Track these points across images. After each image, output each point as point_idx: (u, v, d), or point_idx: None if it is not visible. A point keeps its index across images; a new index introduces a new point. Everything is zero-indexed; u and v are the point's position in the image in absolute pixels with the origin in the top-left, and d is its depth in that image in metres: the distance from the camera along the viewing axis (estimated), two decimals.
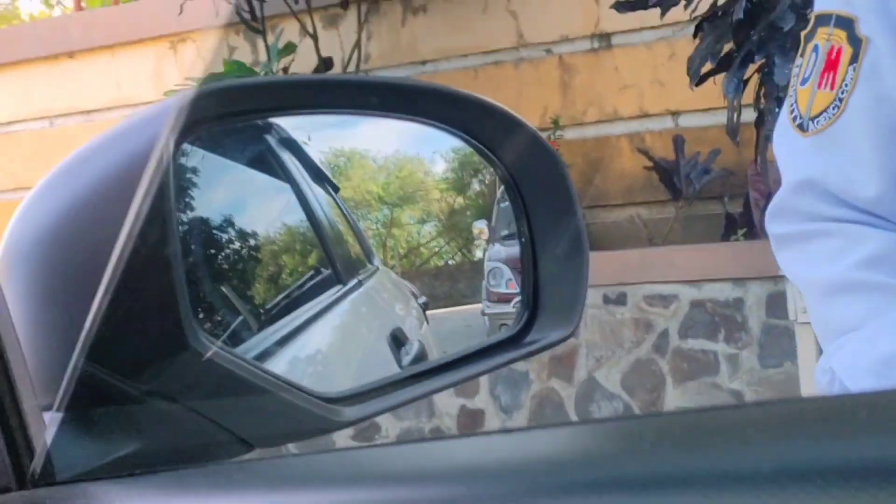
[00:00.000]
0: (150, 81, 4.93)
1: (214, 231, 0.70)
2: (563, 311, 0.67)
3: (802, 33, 0.91)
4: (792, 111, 0.89)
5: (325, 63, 4.04)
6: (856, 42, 0.83)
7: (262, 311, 0.76)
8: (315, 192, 0.92)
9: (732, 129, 3.29)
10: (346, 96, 0.60)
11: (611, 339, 3.65)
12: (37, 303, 0.51)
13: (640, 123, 4.17)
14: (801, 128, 0.87)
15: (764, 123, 3.22)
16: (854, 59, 0.83)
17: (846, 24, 0.84)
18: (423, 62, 4.52)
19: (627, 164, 4.13)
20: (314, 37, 3.98)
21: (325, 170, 0.95)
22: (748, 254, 3.42)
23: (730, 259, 3.49)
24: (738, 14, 2.90)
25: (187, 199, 0.55)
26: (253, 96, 0.55)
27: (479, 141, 0.66)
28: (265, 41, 4.06)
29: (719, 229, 3.72)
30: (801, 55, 0.90)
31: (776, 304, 3.20)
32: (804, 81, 0.88)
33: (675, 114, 4.06)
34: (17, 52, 5.24)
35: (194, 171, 0.55)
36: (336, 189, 1.01)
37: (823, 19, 0.87)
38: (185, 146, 0.52)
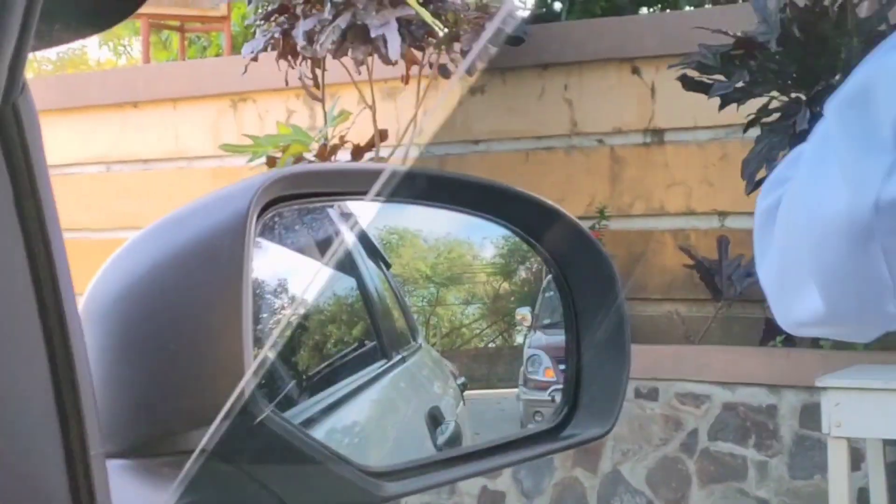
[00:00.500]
0: (209, 136, 5.04)
1: (276, 299, 0.74)
2: (603, 409, 0.69)
3: None
4: None
5: (381, 134, 4.12)
6: None
7: (310, 378, 0.80)
8: (368, 266, 0.95)
9: None
10: (410, 186, 0.63)
11: (639, 434, 3.63)
12: (114, 355, 0.55)
13: (685, 220, 4.19)
14: None
15: None
16: None
17: None
18: (476, 142, 4.59)
19: (670, 259, 4.14)
20: (372, 108, 4.06)
21: (378, 245, 0.99)
22: (785, 361, 3.40)
23: (766, 364, 3.47)
24: (803, 124, 2.91)
25: (260, 271, 0.59)
26: (326, 181, 0.59)
27: (526, 232, 0.68)
28: (323, 107, 4.15)
29: (758, 334, 3.71)
30: None
31: (810, 414, 3.18)
32: None
33: (721, 214, 4.08)
34: (84, 98, 5.38)
35: (268, 245, 0.59)
36: (388, 265, 1.05)
37: None
38: (265, 220, 0.56)
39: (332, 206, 0.67)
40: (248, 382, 0.54)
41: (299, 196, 0.58)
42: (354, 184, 0.62)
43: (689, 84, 3.36)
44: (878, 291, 0.71)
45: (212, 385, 0.54)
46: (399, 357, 1.01)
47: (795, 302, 0.79)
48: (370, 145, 4.12)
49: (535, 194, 0.69)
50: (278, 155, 4.01)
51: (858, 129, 0.74)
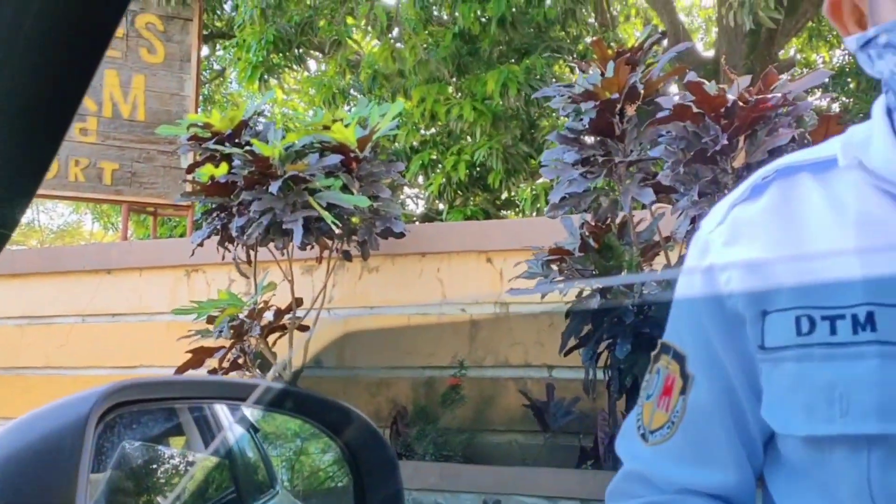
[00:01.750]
0: (167, 298, 4.92)
1: (138, 466, 0.70)
2: None
3: (653, 353, 0.82)
4: (638, 419, 0.81)
5: (298, 301, 4.08)
6: (685, 376, 0.77)
7: None
8: (234, 433, 0.92)
9: (587, 386, 3.35)
10: (232, 392, 0.62)
11: None
12: None
13: (524, 371, 4.22)
14: (643, 437, 0.80)
15: (610, 384, 3.29)
16: (683, 390, 0.77)
17: (680, 359, 0.78)
18: (371, 307, 4.59)
19: (512, 400, 4.14)
20: (291, 281, 4.04)
21: (249, 417, 0.95)
22: (593, 480, 3.38)
23: (579, 482, 3.45)
24: (593, 305, 3.02)
25: (107, 458, 0.56)
26: (157, 390, 0.57)
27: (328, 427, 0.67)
28: (255, 279, 4.11)
29: (575, 458, 3.69)
30: (650, 371, 0.82)
31: None
32: (649, 397, 0.80)
33: (550, 367, 4.13)
34: (69, 265, 5.22)
35: (116, 438, 0.56)
36: (256, 430, 1.01)
37: (666, 348, 0.80)
38: (107, 421, 0.53)
39: (169, 409, 0.65)
40: None
41: (138, 401, 0.56)
42: (182, 391, 0.61)
43: (514, 291, 3.45)
44: None
45: None
46: (256, 503, 0.96)
47: None
48: (289, 309, 4.07)
49: (332, 399, 0.69)
50: (216, 314, 3.92)
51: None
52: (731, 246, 0.76)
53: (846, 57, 9.60)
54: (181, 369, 3.75)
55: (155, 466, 0.70)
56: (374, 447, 0.67)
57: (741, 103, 2.81)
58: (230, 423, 0.81)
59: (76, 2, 0.30)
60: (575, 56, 7.43)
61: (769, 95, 2.83)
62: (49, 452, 0.50)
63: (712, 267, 0.76)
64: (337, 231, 3.45)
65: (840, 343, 0.67)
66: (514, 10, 7.09)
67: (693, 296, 0.79)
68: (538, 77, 7.04)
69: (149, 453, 0.66)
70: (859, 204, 0.71)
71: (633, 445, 0.82)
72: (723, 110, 2.83)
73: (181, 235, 8.47)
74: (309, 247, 3.91)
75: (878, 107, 0.75)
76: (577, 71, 3.75)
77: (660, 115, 2.94)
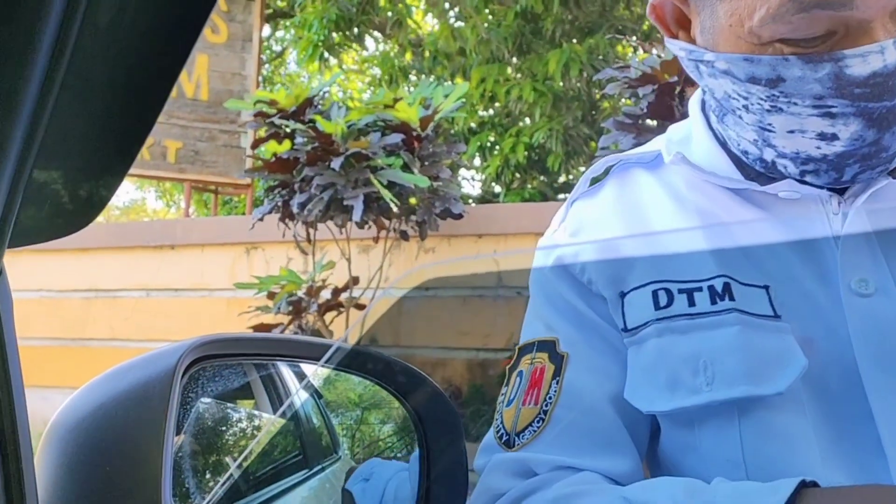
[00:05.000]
0: (227, 274, 5.05)
1: (211, 425, 0.73)
2: None
3: (507, 366, 0.77)
4: (498, 431, 0.74)
5: (354, 280, 4.15)
6: (557, 358, 0.73)
7: (237, 485, 0.78)
8: (300, 396, 0.95)
9: None
10: (306, 350, 0.65)
11: None
12: (64, 471, 0.55)
13: None
14: (507, 444, 0.72)
15: None
16: (557, 373, 0.72)
17: (548, 346, 0.75)
18: (427, 288, 4.63)
19: None
20: (348, 260, 4.10)
21: (313, 382, 0.98)
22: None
23: None
24: None
25: (192, 405, 0.60)
26: (240, 345, 0.60)
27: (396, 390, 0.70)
28: (313, 257, 4.19)
29: None
30: (506, 384, 0.76)
31: None
32: (509, 403, 0.74)
33: None
34: (134, 240, 5.39)
35: (200, 390, 0.60)
36: (320, 395, 1.05)
37: (526, 349, 0.77)
38: (192, 373, 0.57)
39: (249, 364, 0.68)
40: (165, 499, 0.54)
41: (219, 356, 0.59)
42: (263, 348, 0.64)
43: None
44: None
45: (136, 500, 0.53)
46: (319, 467, 1.00)
47: None
48: (346, 287, 4.14)
49: (404, 362, 0.71)
50: (277, 290, 4.01)
51: None
52: (578, 236, 0.78)
53: None
54: None
55: (226, 426, 0.74)
56: (442, 413, 0.69)
57: None
58: (297, 387, 0.85)
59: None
60: (639, 36, 7.31)
61: None
62: (139, 401, 0.53)
63: (562, 258, 0.77)
64: (395, 210, 3.49)
65: (700, 313, 0.67)
66: None
67: (551, 288, 0.78)
68: (601, 58, 6.95)
69: (221, 412, 0.70)
70: (693, 195, 0.74)
71: (494, 456, 0.74)
72: None
73: (241, 214, 8.66)
74: (367, 226, 3.97)
75: (695, 104, 0.80)
76: (640, 52, 3.70)
77: None
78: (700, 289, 0.68)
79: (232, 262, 5.08)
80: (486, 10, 7.47)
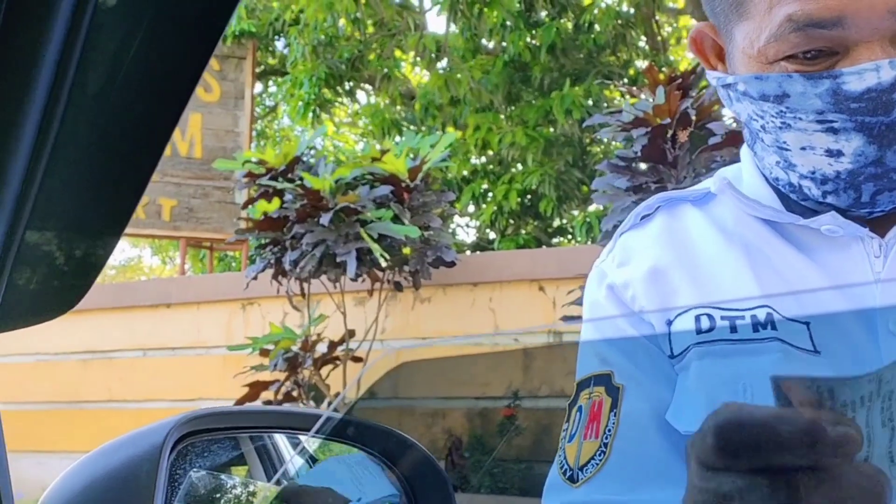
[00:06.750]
0: (223, 331, 5.05)
1: (204, 494, 0.75)
2: None
3: (568, 404, 0.77)
4: (562, 467, 0.74)
5: (350, 333, 4.15)
6: (613, 391, 0.73)
7: None
8: (295, 463, 0.96)
9: None
10: (295, 421, 0.66)
11: None
12: None
13: None
14: (571, 479, 0.72)
15: None
16: (614, 405, 0.72)
17: (604, 380, 0.74)
18: (424, 338, 4.63)
19: None
20: (344, 313, 4.12)
21: (310, 451, 0.99)
22: None
23: None
24: None
25: (177, 486, 0.61)
26: (225, 420, 0.62)
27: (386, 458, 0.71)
28: (308, 312, 4.20)
29: None
30: (567, 420, 0.76)
31: None
32: (571, 438, 0.74)
33: None
34: (130, 300, 5.40)
35: (188, 466, 0.61)
36: (314, 460, 1.05)
37: (583, 384, 0.76)
38: (179, 450, 0.58)
39: (235, 438, 0.69)
40: None
41: (207, 430, 0.61)
42: (252, 420, 0.65)
43: (568, 319, 3.46)
44: None
45: None
46: None
47: None
48: (342, 340, 4.14)
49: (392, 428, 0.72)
50: (271, 348, 4.02)
51: None
52: (625, 266, 0.79)
53: None
54: (239, 403, 3.85)
55: (219, 495, 0.75)
56: (432, 480, 0.70)
57: None
58: (291, 454, 0.86)
59: (170, 45, 0.32)
60: (626, 81, 7.44)
61: None
62: (127, 479, 0.55)
63: (612, 287, 0.78)
64: (385, 264, 3.52)
65: (741, 339, 0.69)
66: (563, 36, 7.15)
67: (603, 320, 0.79)
68: (592, 103, 7.07)
69: (214, 482, 0.71)
70: (739, 228, 0.76)
71: (561, 495, 0.73)
72: None
73: (237, 269, 8.68)
74: (361, 279, 3.99)
75: (745, 145, 0.82)
76: (628, 97, 3.78)
77: (712, 141, 2.94)
78: (742, 317, 0.70)
79: (228, 318, 5.09)
80: (474, 60, 7.60)
